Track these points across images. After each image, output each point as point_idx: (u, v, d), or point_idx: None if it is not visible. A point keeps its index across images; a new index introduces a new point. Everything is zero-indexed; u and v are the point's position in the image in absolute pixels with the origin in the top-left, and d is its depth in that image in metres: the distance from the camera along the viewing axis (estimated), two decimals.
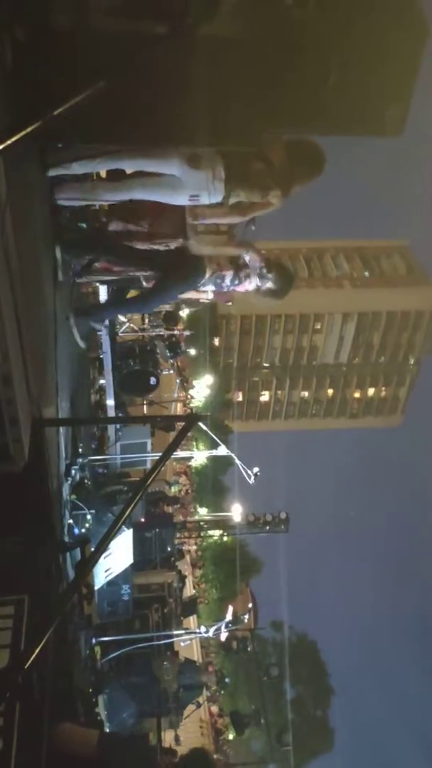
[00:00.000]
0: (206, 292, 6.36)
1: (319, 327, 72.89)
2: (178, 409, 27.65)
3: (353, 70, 3.57)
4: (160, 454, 5.27)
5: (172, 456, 12.13)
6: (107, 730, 9.72)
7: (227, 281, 6.06)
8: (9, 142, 2.30)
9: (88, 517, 7.28)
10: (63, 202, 5.39)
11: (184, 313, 21.96)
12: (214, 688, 26.43)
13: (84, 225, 6.08)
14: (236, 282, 6.06)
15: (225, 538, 30.60)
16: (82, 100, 2.66)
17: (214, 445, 12.36)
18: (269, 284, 6.05)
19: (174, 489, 31.93)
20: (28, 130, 2.41)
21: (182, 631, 14.92)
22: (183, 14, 3.15)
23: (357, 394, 78.71)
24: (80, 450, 8.01)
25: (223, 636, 16.10)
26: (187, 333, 23.47)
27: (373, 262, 74.35)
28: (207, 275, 6.00)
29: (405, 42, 3.54)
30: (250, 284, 6.08)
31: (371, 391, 78.59)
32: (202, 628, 16.04)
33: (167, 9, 3.18)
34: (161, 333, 16.62)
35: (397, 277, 72.95)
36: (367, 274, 73.42)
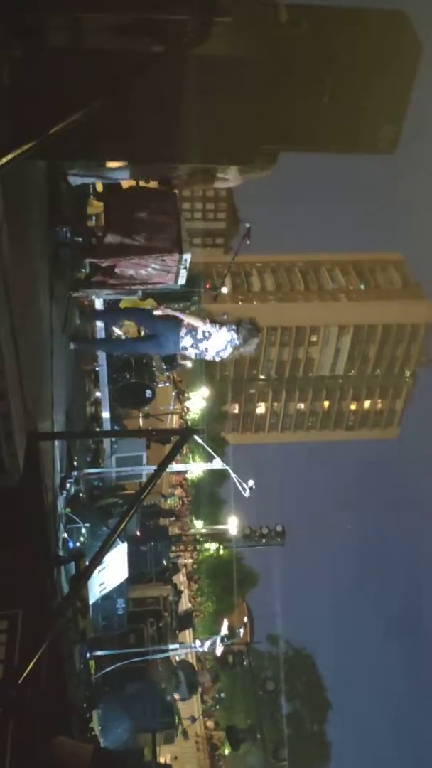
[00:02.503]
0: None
1: (315, 339, 72.98)
2: (174, 421, 27.59)
3: (347, 89, 3.61)
4: (155, 467, 5.28)
5: (168, 469, 12.11)
6: (102, 746, 9.64)
7: (199, 335, 6.81)
8: (5, 160, 2.32)
9: (83, 530, 7.26)
10: None
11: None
12: (211, 701, 26.25)
13: (79, 239, 6.11)
14: (207, 335, 6.78)
15: (221, 552, 30.47)
16: (79, 118, 2.69)
17: (210, 458, 12.34)
18: (238, 340, 6.84)
19: (170, 502, 31.83)
20: (25, 148, 2.44)
21: (177, 645, 14.80)
22: (179, 33, 3.19)
23: (353, 407, 78.71)
24: (75, 463, 8.00)
25: (219, 650, 15.95)
26: None
27: (369, 275, 74.59)
28: (183, 332, 6.86)
29: (398, 61, 3.59)
30: (219, 336, 6.81)
31: (367, 404, 78.61)
32: (198, 642, 15.93)
33: (163, 28, 3.22)
34: None
35: (392, 291, 73.17)
36: (362, 287, 73.62)
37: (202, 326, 6.77)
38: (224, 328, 6.79)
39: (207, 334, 6.79)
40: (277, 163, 5.84)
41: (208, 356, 7.01)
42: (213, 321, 6.83)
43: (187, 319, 6.85)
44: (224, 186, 6.00)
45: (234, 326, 6.82)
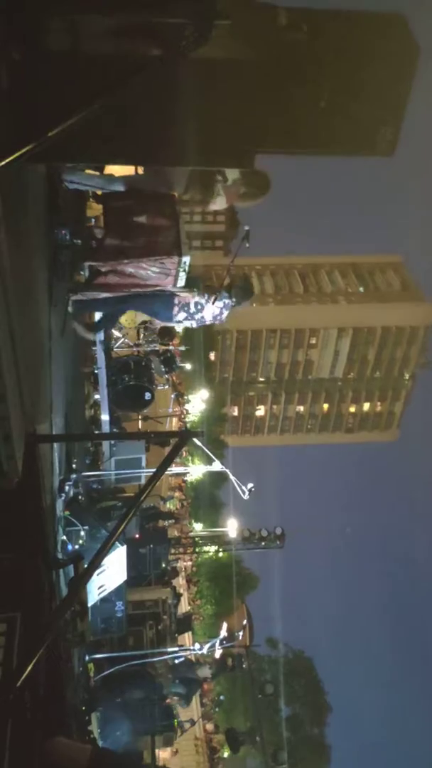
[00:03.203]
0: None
1: (314, 342, 73.01)
2: (174, 424, 27.60)
3: (345, 91, 3.61)
4: (154, 469, 5.28)
5: (167, 471, 12.10)
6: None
7: (192, 308, 6.93)
8: (4, 162, 2.33)
9: (82, 533, 7.26)
10: None
11: (179, 328, 21.98)
12: (210, 704, 26.23)
13: (78, 242, 6.11)
14: (199, 307, 6.92)
15: (220, 554, 30.44)
16: (77, 122, 2.69)
17: (209, 461, 12.34)
18: (232, 302, 7.02)
19: (169, 504, 31.81)
20: (24, 150, 2.44)
21: (176, 648, 14.79)
22: (177, 37, 3.19)
23: (352, 409, 78.72)
24: (74, 466, 8.00)
25: (218, 653, 15.94)
26: (182, 348, 23.46)
27: (368, 277, 74.66)
28: (175, 310, 6.97)
29: (395, 63, 3.59)
30: (214, 306, 6.95)
31: (367, 406, 78.62)
32: (197, 645, 15.93)
33: (161, 31, 3.22)
34: (156, 348, 16.62)
35: (391, 293, 73.22)
36: (361, 289, 73.68)
37: (193, 300, 6.87)
38: (217, 301, 6.93)
39: (199, 306, 6.92)
40: (270, 190, 6.25)
41: (208, 322, 7.22)
42: (205, 291, 6.95)
43: (180, 294, 6.94)
44: (216, 208, 6.49)
45: (226, 294, 6.97)
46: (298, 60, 3.53)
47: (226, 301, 6.98)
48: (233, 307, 7.09)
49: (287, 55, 3.51)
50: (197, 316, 7.03)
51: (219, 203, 6.37)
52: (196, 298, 6.88)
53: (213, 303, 6.90)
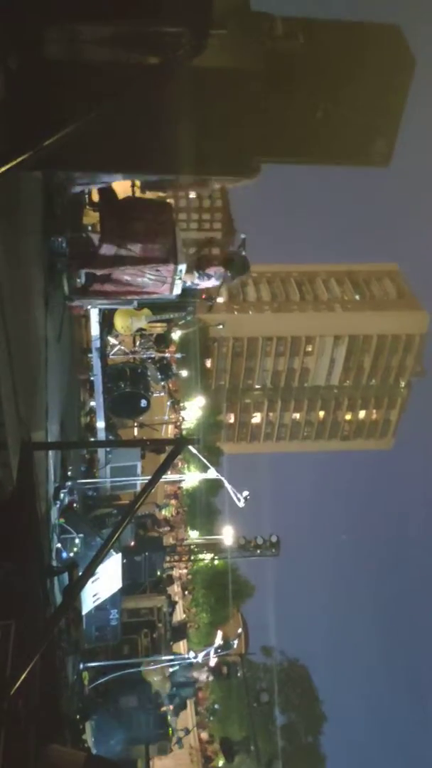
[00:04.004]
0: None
1: (310, 349, 73.03)
2: (170, 431, 27.58)
3: (341, 103, 3.63)
4: (150, 477, 5.27)
5: (163, 478, 12.08)
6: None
7: (196, 280, 6.98)
8: (1, 171, 2.33)
9: (77, 540, 7.23)
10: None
11: (176, 335, 21.99)
12: (205, 713, 26.10)
13: (75, 249, 6.11)
14: (196, 285, 7.00)
15: (216, 562, 30.37)
16: (74, 130, 2.69)
17: (205, 468, 12.32)
18: (228, 276, 7.08)
19: (164, 512, 31.75)
20: (21, 159, 2.44)
21: (171, 657, 14.71)
22: (174, 46, 3.21)
23: (348, 417, 78.68)
24: (69, 473, 7.98)
25: (213, 661, 15.85)
26: (178, 355, 23.47)
27: (364, 285, 74.76)
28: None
29: (391, 75, 3.61)
30: (210, 281, 7.03)
31: (362, 414, 78.59)
32: (192, 653, 15.84)
33: (158, 41, 3.23)
34: (152, 355, 16.60)
35: (387, 301, 73.35)
36: (357, 297, 73.78)
37: (190, 280, 6.92)
38: (212, 279, 6.99)
39: (195, 284, 7.00)
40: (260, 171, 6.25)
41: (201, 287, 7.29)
42: (201, 270, 6.99)
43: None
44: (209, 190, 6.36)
45: (222, 271, 7.01)
46: (295, 70, 3.55)
47: (222, 273, 7.02)
48: (230, 280, 7.16)
49: (283, 64, 3.53)
50: (188, 284, 7.06)
51: (210, 185, 6.33)
52: (195, 279, 6.95)
53: (207, 280, 6.96)
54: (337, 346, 73.37)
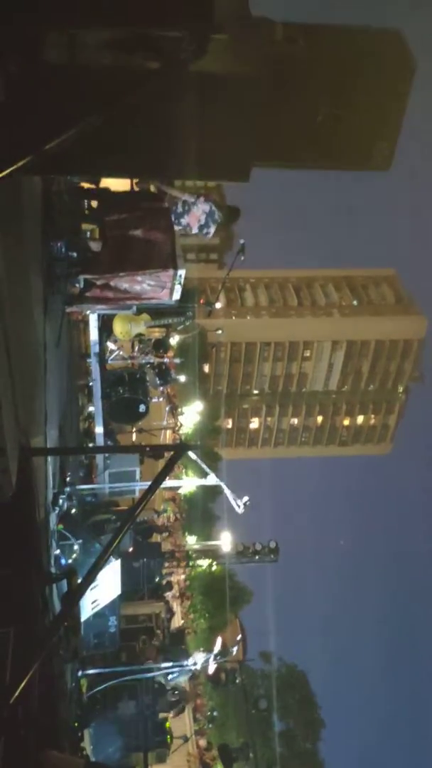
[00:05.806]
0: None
1: (308, 354, 73.16)
2: (168, 436, 27.55)
3: (342, 106, 3.62)
4: (149, 483, 5.25)
5: (161, 485, 12.04)
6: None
7: (179, 208, 6.95)
8: (1, 175, 2.31)
9: (75, 547, 7.21)
10: None
11: (174, 340, 21.98)
12: (203, 720, 25.98)
13: (74, 254, 6.12)
14: (186, 208, 6.97)
15: (214, 568, 30.29)
16: (74, 135, 2.68)
17: (203, 474, 12.28)
18: (218, 216, 7.18)
19: (163, 516, 31.69)
20: (20, 163, 2.43)
21: (170, 663, 14.66)
22: (174, 50, 3.20)
23: (346, 422, 78.77)
24: (68, 479, 7.96)
25: (212, 668, 15.80)
26: (176, 360, 23.45)
27: (362, 291, 74.93)
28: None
29: (392, 78, 3.61)
30: (201, 208, 7.06)
31: (360, 419, 78.70)
32: (190, 660, 15.78)
33: (159, 44, 3.22)
34: (151, 361, 16.58)
35: (385, 306, 73.51)
36: (355, 302, 73.94)
37: (182, 197, 6.94)
38: (201, 198, 7.01)
39: (186, 207, 6.96)
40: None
41: (194, 231, 7.26)
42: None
43: (169, 191, 7.01)
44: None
45: (212, 200, 7.11)
46: (295, 74, 3.54)
47: (212, 207, 7.06)
48: (219, 224, 7.18)
49: (284, 69, 3.52)
50: (183, 220, 7.04)
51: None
52: (185, 197, 6.96)
53: (198, 202, 6.97)
54: (335, 351, 73.54)
